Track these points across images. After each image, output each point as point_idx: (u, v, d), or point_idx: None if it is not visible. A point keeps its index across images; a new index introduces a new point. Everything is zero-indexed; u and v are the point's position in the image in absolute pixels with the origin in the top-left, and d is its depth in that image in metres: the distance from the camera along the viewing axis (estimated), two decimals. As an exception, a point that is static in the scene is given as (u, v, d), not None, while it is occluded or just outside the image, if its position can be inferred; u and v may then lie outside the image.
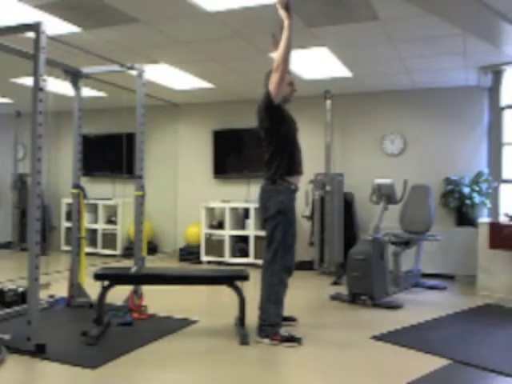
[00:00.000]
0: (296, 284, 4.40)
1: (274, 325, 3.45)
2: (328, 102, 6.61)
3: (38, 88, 3.15)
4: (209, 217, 7.27)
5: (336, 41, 4.70)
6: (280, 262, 3.48)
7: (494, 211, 5.46)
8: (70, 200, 5.10)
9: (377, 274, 4.64)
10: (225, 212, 7.08)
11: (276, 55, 3.44)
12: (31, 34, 3.23)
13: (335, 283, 5.62)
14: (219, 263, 6.97)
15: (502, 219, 5.27)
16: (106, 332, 3.60)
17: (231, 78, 6.16)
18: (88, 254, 5.23)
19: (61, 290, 4.68)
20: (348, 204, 6.50)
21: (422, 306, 4.62)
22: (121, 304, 4.20)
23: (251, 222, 6.87)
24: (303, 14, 3.98)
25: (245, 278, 3.62)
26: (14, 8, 3.90)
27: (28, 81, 5.99)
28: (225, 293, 3.90)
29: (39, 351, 3.06)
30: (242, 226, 7.08)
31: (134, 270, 3.89)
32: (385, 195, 5.00)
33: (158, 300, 4.49)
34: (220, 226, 7.17)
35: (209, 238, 7.13)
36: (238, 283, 3.63)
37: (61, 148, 8.12)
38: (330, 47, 4.88)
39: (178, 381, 2.84)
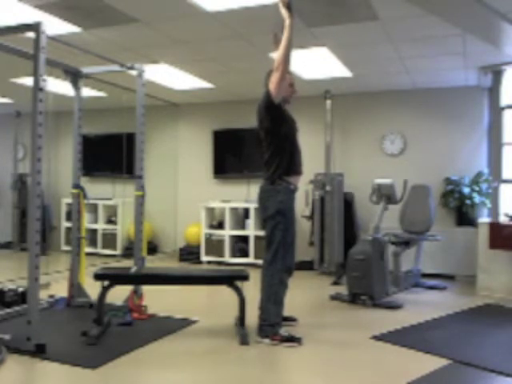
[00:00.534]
0: (296, 284, 4.40)
1: (274, 325, 3.45)
2: (328, 101, 6.61)
3: (37, 88, 3.15)
4: (209, 217, 7.27)
5: (336, 41, 4.70)
6: (280, 261, 3.48)
7: (494, 211, 5.46)
8: (70, 200, 5.10)
9: (377, 274, 4.64)
10: (225, 212, 7.08)
11: (276, 55, 3.44)
12: (31, 34, 3.23)
13: (335, 283, 5.62)
14: (219, 263, 6.96)
15: (502, 219, 5.27)
16: (106, 332, 3.59)
17: (231, 78, 6.16)
18: (88, 254, 5.23)
19: (61, 290, 4.68)
20: (348, 204, 6.50)
21: (422, 306, 4.62)
22: (121, 304, 4.19)
23: (251, 221, 6.87)
24: (303, 14, 3.98)
25: (245, 277, 3.62)
26: (14, 8, 3.90)
27: (28, 81, 5.99)
28: (225, 293, 3.90)
29: (39, 351, 3.06)
30: (242, 226, 7.08)
31: (133, 269, 3.89)
32: (385, 195, 5.00)
33: (158, 300, 4.49)
34: (220, 225, 7.17)
35: (209, 238, 7.13)
36: (238, 283, 3.63)
37: (61, 148, 8.12)
38: (330, 47, 4.88)
39: (178, 381, 2.84)
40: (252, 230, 6.86)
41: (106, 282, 3.61)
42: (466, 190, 6.03)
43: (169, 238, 7.97)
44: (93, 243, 7.80)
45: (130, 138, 6.34)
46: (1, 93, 7.26)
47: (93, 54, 4.42)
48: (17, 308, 4.00)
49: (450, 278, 5.98)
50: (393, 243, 5.25)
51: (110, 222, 7.95)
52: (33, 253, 3.11)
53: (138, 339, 3.48)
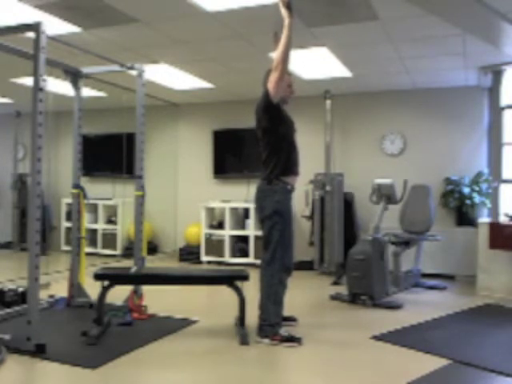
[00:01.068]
0: (296, 284, 4.40)
1: (273, 325, 3.45)
2: (328, 102, 6.61)
3: (37, 88, 3.15)
4: (209, 217, 7.27)
5: (336, 41, 4.69)
6: (279, 261, 3.48)
7: (494, 211, 5.46)
8: (70, 200, 5.10)
9: (377, 274, 4.64)
10: (225, 212, 7.08)
11: (275, 54, 3.44)
12: (31, 34, 3.23)
13: (335, 283, 5.62)
14: (219, 263, 6.96)
15: (502, 219, 5.27)
16: (106, 332, 3.59)
17: (231, 78, 6.16)
18: (88, 254, 5.23)
19: (61, 290, 4.68)
20: (348, 204, 6.50)
21: (422, 306, 4.62)
22: (121, 304, 4.19)
23: (251, 222, 6.87)
24: (303, 14, 3.98)
25: (245, 278, 3.62)
26: (14, 8, 3.90)
27: (28, 81, 5.99)
28: (225, 293, 3.90)
29: (39, 351, 3.06)
30: (242, 226, 7.08)
31: (134, 270, 3.89)
32: (385, 195, 5.00)
33: (158, 300, 4.49)
34: (220, 226, 7.17)
35: (209, 238, 7.13)
36: (238, 283, 3.63)
37: (61, 148, 8.12)
38: (329, 47, 4.88)
39: (178, 381, 2.84)
40: (252, 230, 6.86)
41: (106, 282, 3.61)
42: (466, 190, 6.03)
43: (169, 238, 7.97)
44: (93, 243, 7.79)
45: (130, 138, 6.33)
46: (1, 93, 7.26)
47: (93, 54, 4.42)
48: (17, 308, 4.00)
49: (450, 278, 5.98)
50: (393, 243, 5.25)
51: (110, 221, 7.95)
52: (33, 253, 3.11)
53: (138, 339, 3.48)
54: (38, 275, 3.13)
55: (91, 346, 3.29)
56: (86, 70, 4.52)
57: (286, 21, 3.32)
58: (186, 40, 4.71)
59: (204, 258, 7.13)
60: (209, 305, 4.85)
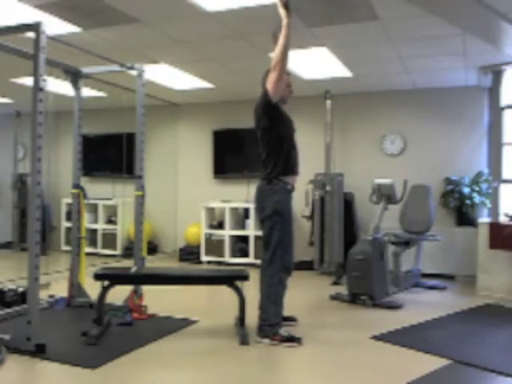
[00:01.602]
0: (296, 284, 4.40)
1: (273, 325, 3.45)
2: (328, 102, 6.61)
3: (37, 88, 3.15)
4: (209, 217, 7.27)
5: (336, 41, 4.69)
6: (279, 261, 3.48)
7: (494, 211, 5.46)
8: (70, 200, 5.10)
9: (377, 274, 4.64)
10: (225, 212, 7.08)
11: (274, 54, 3.44)
12: (31, 34, 3.23)
13: (335, 283, 5.62)
14: (219, 263, 6.96)
15: (502, 219, 5.27)
16: (106, 332, 3.59)
17: (231, 78, 6.16)
18: (88, 254, 5.23)
19: (61, 290, 4.68)
20: (348, 204, 6.50)
21: (422, 306, 4.62)
22: (121, 304, 4.19)
23: (251, 222, 6.87)
24: (303, 14, 3.98)
25: (245, 277, 3.62)
26: (14, 8, 3.90)
27: (28, 81, 5.99)
28: (225, 293, 3.90)
29: (39, 351, 3.06)
30: (242, 226, 7.08)
31: (133, 269, 3.89)
32: (385, 195, 5.00)
33: (158, 300, 4.49)
34: (220, 225, 7.17)
35: (209, 238, 7.13)
36: (238, 283, 3.63)
37: (61, 148, 8.12)
38: (329, 47, 4.88)
39: (178, 381, 2.84)
40: (252, 230, 6.85)
41: (106, 282, 3.61)
42: (466, 190, 6.03)
43: (169, 238, 7.97)
44: (93, 243, 7.79)
45: (130, 138, 6.33)
46: (1, 93, 7.26)
47: (93, 54, 4.42)
48: (17, 308, 4.00)
49: (450, 277, 5.98)
50: (393, 243, 5.25)
51: (110, 221, 7.95)
52: (33, 253, 3.11)
53: (138, 339, 3.48)
54: (38, 275, 3.13)
55: (91, 345, 3.29)
56: (86, 70, 4.52)
57: (284, 20, 3.32)
58: (186, 40, 4.71)
59: (204, 258, 7.13)
60: (209, 305, 4.85)
